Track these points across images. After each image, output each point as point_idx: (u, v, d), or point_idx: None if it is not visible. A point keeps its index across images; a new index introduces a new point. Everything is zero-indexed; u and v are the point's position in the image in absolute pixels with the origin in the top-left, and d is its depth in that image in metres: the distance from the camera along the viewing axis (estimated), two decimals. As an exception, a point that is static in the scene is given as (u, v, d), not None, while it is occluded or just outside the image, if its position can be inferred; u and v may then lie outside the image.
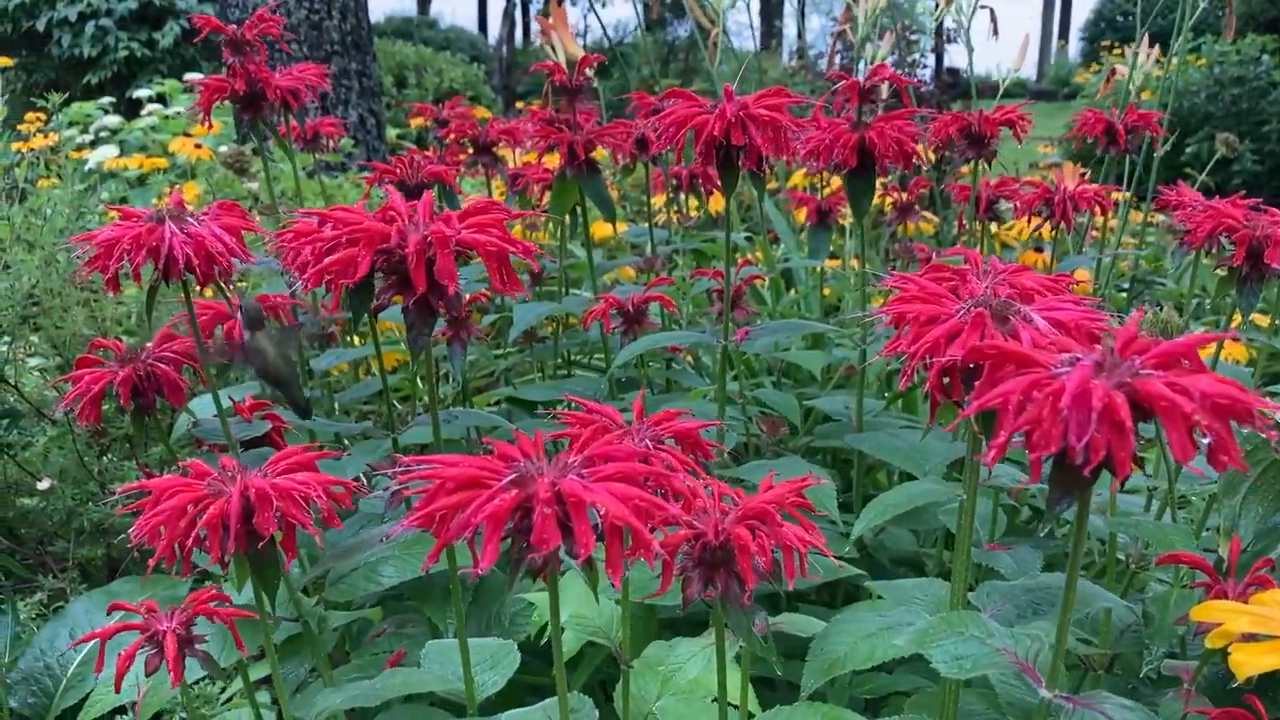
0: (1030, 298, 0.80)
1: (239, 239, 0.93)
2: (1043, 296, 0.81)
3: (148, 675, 0.81)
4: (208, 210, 0.94)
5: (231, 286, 1.01)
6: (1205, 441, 0.56)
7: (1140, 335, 0.58)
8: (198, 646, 0.86)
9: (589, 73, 1.63)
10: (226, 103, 1.40)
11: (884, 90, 1.39)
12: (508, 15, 16.67)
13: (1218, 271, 1.26)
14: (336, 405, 1.73)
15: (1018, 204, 1.65)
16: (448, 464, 0.56)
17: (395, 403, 2.26)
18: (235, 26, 1.31)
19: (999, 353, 0.58)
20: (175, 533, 0.71)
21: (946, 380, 0.70)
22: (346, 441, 1.45)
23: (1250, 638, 0.73)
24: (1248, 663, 0.70)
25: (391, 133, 6.16)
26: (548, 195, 2.11)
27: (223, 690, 1.57)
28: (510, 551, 0.56)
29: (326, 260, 0.73)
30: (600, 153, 1.65)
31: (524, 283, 1.96)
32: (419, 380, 2.12)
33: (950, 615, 0.74)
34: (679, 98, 1.06)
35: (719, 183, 1.09)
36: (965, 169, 2.41)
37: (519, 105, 8.86)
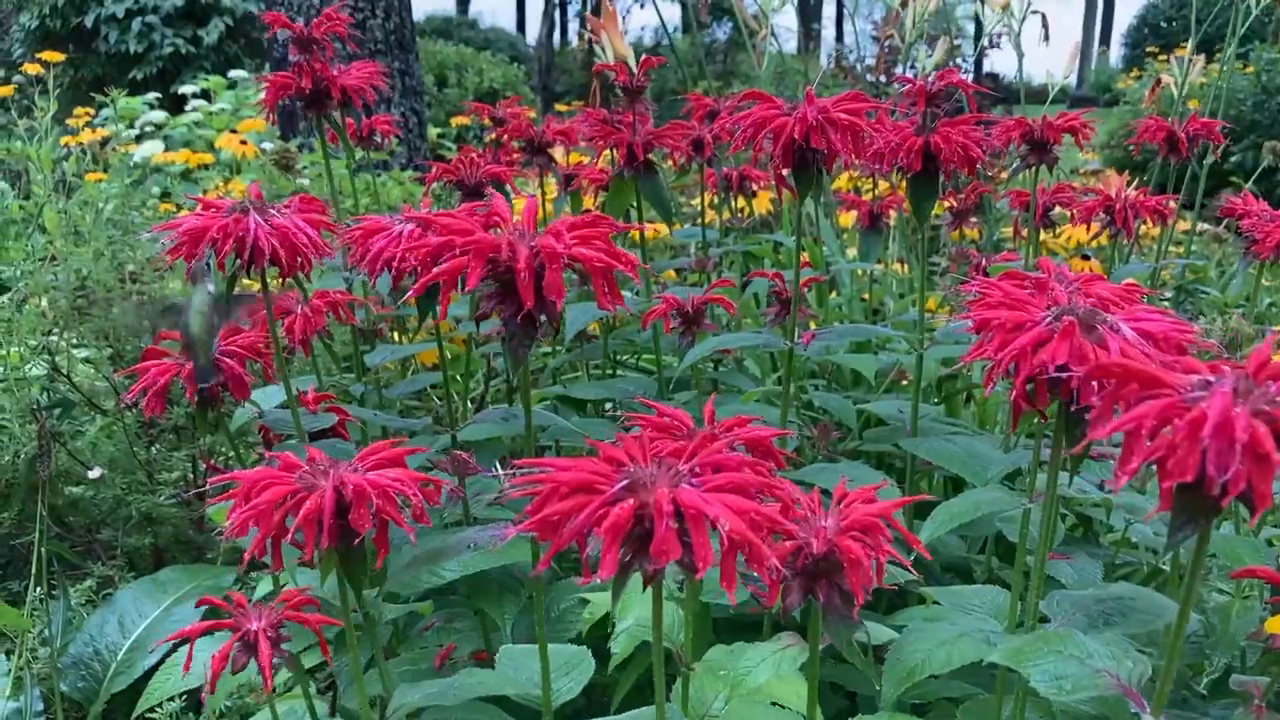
0: (1107, 307, 0.79)
1: (319, 233, 0.93)
2: (1118, 306, 0.80)
3: (234, 674, 0.81)
4: (289, 203, 0.94)
5: (308, 280, 1.01)
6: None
7: (1275, 359, 0.55)
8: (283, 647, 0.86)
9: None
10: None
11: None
12: (547, 15, 16.71)
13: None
14: (382, 399, 1.74)
15: (1075, 211, 1.63)
16: (560, 468, 0.55)
17: (438, 399, 2.27)
18: (302, 24, 1.31)
19: (1124, 371, 0.56)
20: (269, 528, 0.71)
21: (1030, 388, 0.70)
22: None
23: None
24: (1330, 678, 0.69)
25: (431, 131, 6.19)
26: (600, 195, 2.11)
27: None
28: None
29: (436, 269, 0.71)
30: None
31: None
32: (460, 377, 2.13)
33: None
34: (757, 99, 1.06)
35: (791, 185, 1.08)
36: (1008, 174, 2.39)
37: (558, 105, 8.88)
